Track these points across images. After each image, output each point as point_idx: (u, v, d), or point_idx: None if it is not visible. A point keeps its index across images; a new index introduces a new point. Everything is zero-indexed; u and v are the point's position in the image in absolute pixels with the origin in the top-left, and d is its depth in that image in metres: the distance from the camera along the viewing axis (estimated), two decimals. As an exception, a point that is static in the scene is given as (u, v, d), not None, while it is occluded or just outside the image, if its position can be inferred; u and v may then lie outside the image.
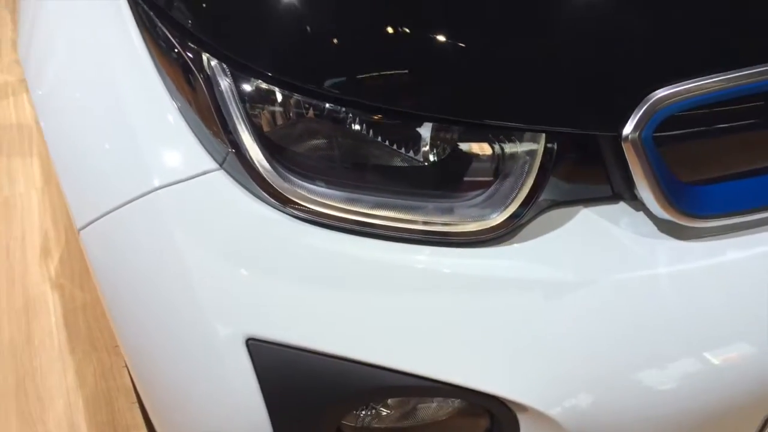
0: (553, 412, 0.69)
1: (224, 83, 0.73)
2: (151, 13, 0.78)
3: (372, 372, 0.69)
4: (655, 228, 0.75)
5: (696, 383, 0.71)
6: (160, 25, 0.78)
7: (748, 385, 0.73)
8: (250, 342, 0.70)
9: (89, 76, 0.85)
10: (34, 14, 1.06)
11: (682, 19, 0.74)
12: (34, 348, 1.65)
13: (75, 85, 0.87)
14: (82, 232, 0.79)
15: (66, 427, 1.48)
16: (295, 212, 0.73)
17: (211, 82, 0.74)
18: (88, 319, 1.71)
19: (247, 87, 0.73)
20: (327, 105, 0.72)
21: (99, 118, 0.82)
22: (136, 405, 1.49)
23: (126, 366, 1.50)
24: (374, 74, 0.70)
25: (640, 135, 0.67)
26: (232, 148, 0.73)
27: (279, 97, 0.73)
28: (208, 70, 0.74)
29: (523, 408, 0.70)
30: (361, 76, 0.71)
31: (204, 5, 0.77)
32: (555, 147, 0.70)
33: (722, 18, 0.74)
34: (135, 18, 0.82)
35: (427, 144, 0.74)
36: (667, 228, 0.74)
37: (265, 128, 0.74)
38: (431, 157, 0.74)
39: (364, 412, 0.75)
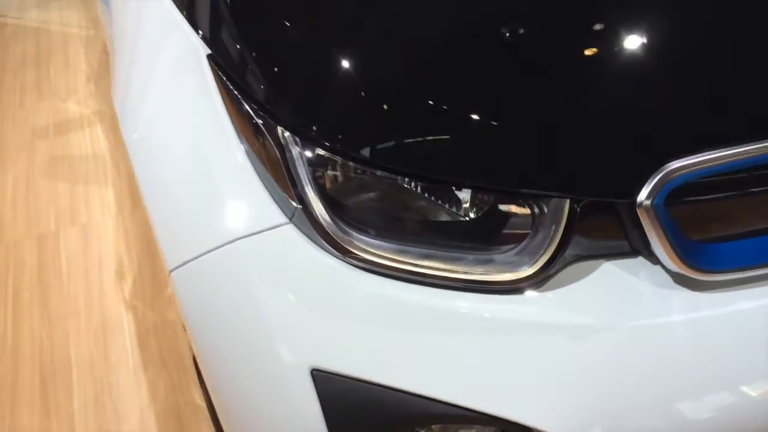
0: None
1: (295, 151, 0.86)
2: (235, 91, 0.92)
3: (419, 401, 0.81)
4: (670, 279, 0.84)
5: (704, 422, 0.80)
6: (242, 99, 0.91)
7: (754, 423, 0.82)
8: (314, 372, 0.82)
9: (181, 136, 1.00)
10: (129, 67, 1.21)
11: (693, 95, 0.84)
12: (111, 365, 1.81)
13: (169, 141, 1.02)
14: (172, 273, 0.93)
15: (140, 439, 1.63)
16: (353, 261, 0.85)
17: (284, 150, 0.87)
18: (159, 338, 1.86)
19: (312, 154, 0.86)
20: (377, 171, 0.84)
21: (188, 175, 0.96)
22: (204, 419, 1.63)
23: (198, 383, 1.65)
24: (416, 148, 0.83)
25: (653, 202, 0.78)
26: (300, 204, 0.86)
27: (338, 162, 0.86)
28: (282, 140, 0.87)
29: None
30: (404, 150, 0.83)
31: (279, 87, 0.90)
32: (578, 209, 0.81)
33: (730, 95, 0.84)
34: (220, 90, 0.96)
35: (467, 203, 0.85)
36: (680, 280, 0.84)
37: (328, 188, 0.87)
38: (471, 215, 0.85)
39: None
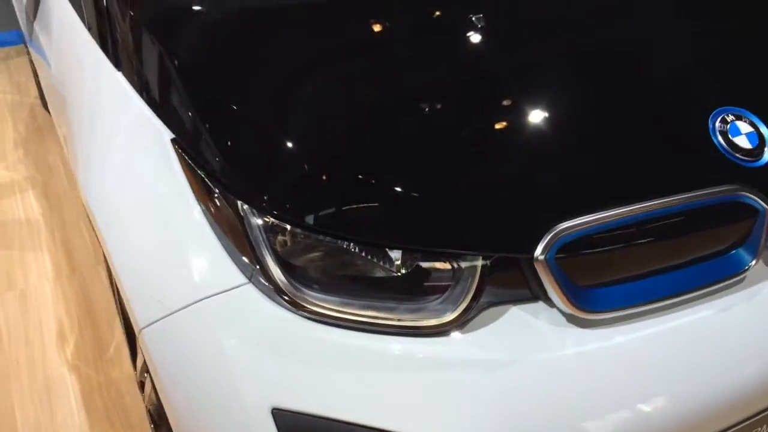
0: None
1: (252, 220, 1.02)
2: (198, 170, 1.08)
3: (361, 430, 0.96)
4: (564, 319, 1.04)
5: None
6: (204, 178, 1.07)
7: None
8: (274, 411, 0.96)
9: (146, 206, 1.14)
10: (89, 139, 1.33)
11: (581, 167, 1.05)
12: (57, 425, 1.87)
13: (134, 211, 1.15)
14: (143, 330, 1.06)
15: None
16: (304, 313, 1.00)
17: (242, 220, 1.03)
18: (103, 397, 1.94)
19: (265, 223, 1.02)
20: (320, 236, 1.01)
21: (154, 240, 1.10)
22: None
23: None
24: (350, 215, 1.00)
25: (546, 257, 0.97)
26: (258, 266, 1.02)
27: (287, 229, 1.02)
28: (241, 211, 1.03)
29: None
30: (341, 217, 1.00)
31: (237, 168, 1.07)
32: (488, 264, 1.00)
33: (611, 167, 1.06)
34: (184, 170, 1.11)
35: (398, 260, 1.03)
36: (572, 319, 1.03)
37: (280, 251, 1.03)
38: (403, 270, 1.03)
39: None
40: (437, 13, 1.30)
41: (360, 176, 1.02)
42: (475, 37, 1.24)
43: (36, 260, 2.52)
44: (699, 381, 1.03)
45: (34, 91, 3.82)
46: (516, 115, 1.10)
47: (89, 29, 1.38)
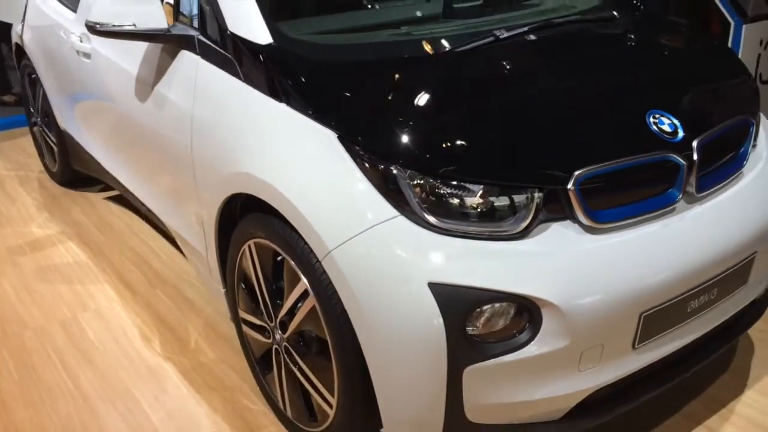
0: (564, 306, 1.64)
1: (400, 175, 1.70)
2: (362, 152, 1.75)
3: (478, 292, 1.62)
4: (582, 229, 1.76)
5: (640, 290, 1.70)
6: (365, 156, 1.74)
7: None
8: (430, 284, 1.61)
9: (330, 181, 1.79)
10: (290, 154, 1.97)
11: (588, 139, 1.81)
12: (172, 396, 2.36)
13: (323, 187, 1.79)
14: (333, 251, 1.69)
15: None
16: (437, 229, 1.67)
17: (396, 178, 1.70)
18: (201, 375, 2.45)
19: (411, 176, 1.70)
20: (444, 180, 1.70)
21: (340, 201, 1.74)
22: (261, 415, 2.24)
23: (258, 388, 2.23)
24: (462, 167, 1.71)
25: (574, 187, 1.70)
26: (407, 204, 1.69)
27: (424, 178, 1.70)
28: (394, 171, 1.70)
29: (546, 303, 1.64)
30: (455, 166, 1.70)
31: (396, 144, 1.74)
32: (542, 195, 1.72)
33: (604, 138, 1.82)
34: (352, 156, 1.76)
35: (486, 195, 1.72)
36: (588, 229, 1.76)
37: (419, 194, 1.70)
38: (495, 203, 1.72)
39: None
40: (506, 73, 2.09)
41: (468, 144, 1.74)
42: (525, 79, 2.04)
43: (99, 290, 3.00)
44: (660, 259, 1.78)
45: (37, 167, 4.26)
46: (558, 120, 1.86)
47: (245, 79, 2.03)
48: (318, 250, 1.75)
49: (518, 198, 1.72)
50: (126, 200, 3.67)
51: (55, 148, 3.84)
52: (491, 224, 1.71)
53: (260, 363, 2.27)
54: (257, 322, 2.18)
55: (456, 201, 1.71)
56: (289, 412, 2.15)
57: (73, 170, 3.81)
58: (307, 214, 1.77)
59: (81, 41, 2.96)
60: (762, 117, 2.34)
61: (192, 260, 2.65)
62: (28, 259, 3.26)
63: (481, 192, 1.71)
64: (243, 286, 2.21)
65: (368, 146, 1.76)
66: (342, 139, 1.79)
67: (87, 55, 2.92)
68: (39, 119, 3.96)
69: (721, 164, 2.03)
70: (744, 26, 3.22)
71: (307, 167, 1.83)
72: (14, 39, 3.95)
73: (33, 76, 3.81)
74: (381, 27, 2.34)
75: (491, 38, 2.14)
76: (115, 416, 2.27)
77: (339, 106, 1.88)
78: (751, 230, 1.98)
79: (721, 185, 2.00)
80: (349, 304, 1.72)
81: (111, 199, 3.85)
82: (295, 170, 1.85)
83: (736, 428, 2.16)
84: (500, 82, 2.01)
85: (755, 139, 2.22)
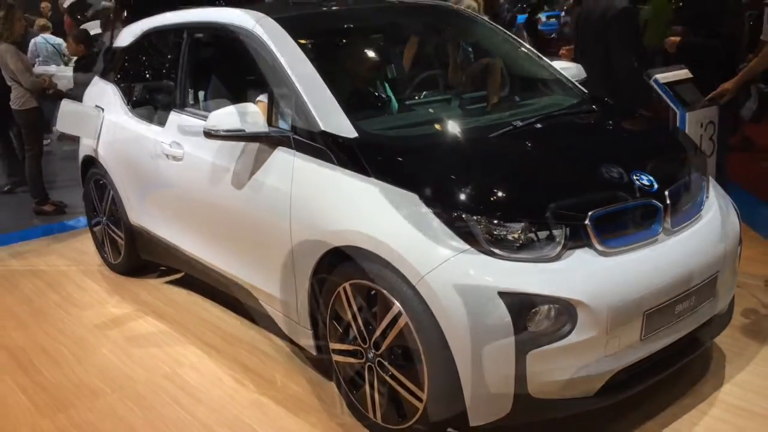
0: (592, 304, 2.34)
1: (470, 219, 2.41)
2: (439, 209, 2.47)
3: (532, 296, 2.32)
4: (596, 253, 2.48)
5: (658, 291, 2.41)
6: (444, 210, 2.46)
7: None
8: (500, 292, 2.30)
9: (417, 228, 2.50)
10: (384, 210, 2.69)
11: (599, 190, 2.57)
12: (274, 417, 2.92)
13: (411, 231, 2.50)
14: (426, 276, 2.37)
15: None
16: (496, 257, 2.38)
17: (466, 222, 2.42)
18: (295, 405, 3.02)
19: (479, 222, 2.42)
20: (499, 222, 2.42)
21: (423, 238, 2.44)
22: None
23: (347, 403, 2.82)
24: (507, 210, 2.44)
25: (590, 222, 2.44)
26: (475, 241, 2.40)
27: (483, 221, 2.42)
28: (463, 217, 2.42)
29: (579, 302, 2.34)
30: (506, 211, 2.44)
31: (466, 200, 2.47)
32: (568, 229, 2.45)
33: (607, 189, 2.59)
34: (431, 209, 2.49)
35: (528, 229, 2.44)
36: (601, 252, 2.48)
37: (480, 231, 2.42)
38: (534, 236, 2.44)
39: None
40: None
41: (512, 196, 2.48)
42: (546, 151, 2.81)
43: (187, 350, 3.57)
44: (652, 273, 2.50)
45: (94, 261, 4.85)
46: (574, 177, 2.62)
47: (338, 163, 2.76)
48: (411, 277, 2.43)
49: (556, 231, 2.45)
50: (186, 281, 4.30)
51: (121, 242, 4.45)
52: (536, 251, 2.43)
53: (349, 383, 2.87)
54: (350, 348, 2.80)
55: (511, 236, 2.43)
56: (378, 418, 2.75)
57: (138, 260, 4.41)
58: (401, 250, 2.46)
59: (171, 147, 3.67)
60: (710, 178, 3.16)
61: (275, 313, 3.26)
62: (116, 332, 3.82)
63: (523, 228, 2.43)
64: (335, 322, 2.85)
65: (443, 201, 2.49)
66: (422, 197, 2.52)
67: (177, 158, 3.63)
68: (104, 218, 4.58)
69: (686, 208, 2.81)
70: (687, 114, 4.13)
71: (396, 219, 2.54)
72: (83, 152, 4.64)
73: (101, 182, 4.48)
74: (422, 123, 3.15)
75: (510, 127, 2.94)
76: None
77: (420, 176, 2.62)
78: (711, 255, 2.74)
79: (688, 223, 2.77)
80: (440, 315, 2.38)
81: (170, 282, 4.44)
82: (386, 221, 2.55)
83: (720, 410, 2.82)
84: (530, 155, 2.82)
85: (707, 193, 3.02)
